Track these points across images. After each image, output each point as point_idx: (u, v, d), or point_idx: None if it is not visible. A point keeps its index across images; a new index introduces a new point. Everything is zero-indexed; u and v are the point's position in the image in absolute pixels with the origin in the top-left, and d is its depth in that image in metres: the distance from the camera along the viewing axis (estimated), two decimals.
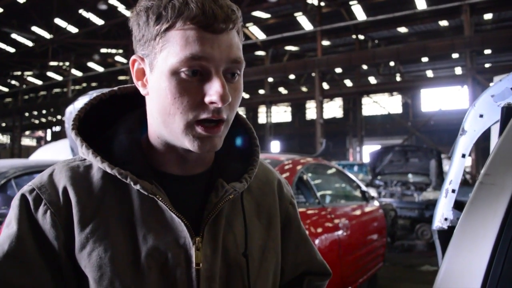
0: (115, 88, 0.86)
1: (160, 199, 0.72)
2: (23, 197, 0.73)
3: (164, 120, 0.71)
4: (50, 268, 0.69)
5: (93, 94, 5.30)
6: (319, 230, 3.45)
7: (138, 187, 0.71)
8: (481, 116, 1.28)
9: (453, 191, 1.31)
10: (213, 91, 0.67)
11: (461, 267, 0.96)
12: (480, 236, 0.95)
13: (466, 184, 9.60)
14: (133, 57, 0.75)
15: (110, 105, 0.85)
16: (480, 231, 0.96)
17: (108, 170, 0.72)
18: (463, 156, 1.31)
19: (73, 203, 0.72)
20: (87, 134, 0.79)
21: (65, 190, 0.73)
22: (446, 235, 1.34)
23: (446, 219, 1.31)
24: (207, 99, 0.68)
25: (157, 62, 0.69)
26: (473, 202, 1.00)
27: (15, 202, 0.73)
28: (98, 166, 0.75)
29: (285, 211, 0.94)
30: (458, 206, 1.32)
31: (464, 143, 1.31)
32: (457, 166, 1.32)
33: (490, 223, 0.95)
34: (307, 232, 1.00)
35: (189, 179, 0.79)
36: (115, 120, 0.83)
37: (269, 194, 0.91)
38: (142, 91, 0.76)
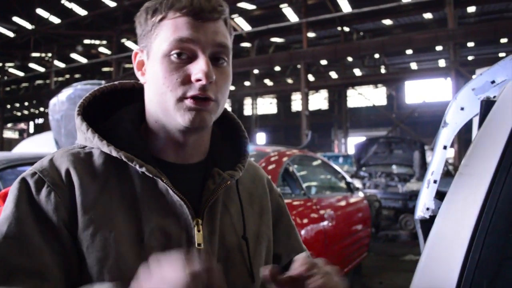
0: (116, 82, 0.93)
1: (164, 181, 0.77)
2: (23, 180, 0.75)
3: (158, 101, 0.78)
4: (52, 249, 0.70)
5: (77, 86, 5.22)
6: (305, 221, 3.50)
7: (143, 169, 0.76)
8: (462, 109, 1.31)
9: (435, 181, 1.34)
10: (198, 69, 0.75)
11: (442, 254, 1.00)
12: (459, 225, 0.99)
13: (449, 175, 9.75)
14: (134, 51, 0.84)
15: (109, 98, 0.90)
16: (460, 219, 0.99)
17: (114, 153, 0.77)
18: (445, 147, 1.34)
19: (76, 185, 0.74)
20: (88, 122, 0.83)
21: (67, 172, 0.76)
22: (428, 224, 1.38)
23: (428, 209, 1.34)
24: (193, 77, 0.75)
25: (152, 49, 0.79)
26: (452, 191, 1.04)
27: (14, 186, 0.75)
28: (100, 152, 0.79)
29: (276, 202, 1.01)
30: (442, 196, 1.35)
31: (446, 135, 1.34)
32: (439, 157, 1.35)
33: (468, 212, 0.98)
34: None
35: (186, 167, 0.85)
36: (113, 112, 0.88)
37: (259, 186, 0.98)
38: (141, 80, 0.84)
